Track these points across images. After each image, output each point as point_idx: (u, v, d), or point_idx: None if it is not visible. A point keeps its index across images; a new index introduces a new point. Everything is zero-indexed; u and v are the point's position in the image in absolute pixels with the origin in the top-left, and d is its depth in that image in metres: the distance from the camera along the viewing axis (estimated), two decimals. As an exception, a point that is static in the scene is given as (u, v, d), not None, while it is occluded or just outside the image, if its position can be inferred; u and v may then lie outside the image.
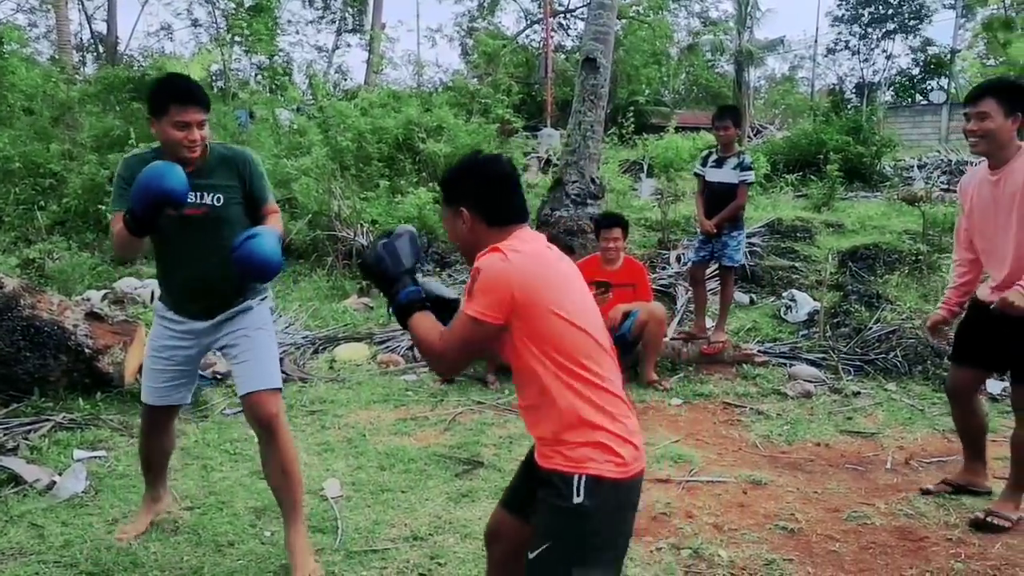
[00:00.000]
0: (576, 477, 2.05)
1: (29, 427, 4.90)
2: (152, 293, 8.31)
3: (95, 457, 4.65)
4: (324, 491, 4.22)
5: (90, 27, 33.33)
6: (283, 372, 6.49)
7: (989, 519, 3.84)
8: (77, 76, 18.15)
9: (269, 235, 3.15)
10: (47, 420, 5.02)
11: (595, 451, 2.07)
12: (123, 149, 11.95)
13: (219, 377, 6.13)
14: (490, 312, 2.09)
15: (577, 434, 2.08)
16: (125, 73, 17.21)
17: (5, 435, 4.76)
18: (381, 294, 2.46)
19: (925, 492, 4.27)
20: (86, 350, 5.45)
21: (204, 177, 3.27)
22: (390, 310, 2.35)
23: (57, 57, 21.81)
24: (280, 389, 3.42)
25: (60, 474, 4.30)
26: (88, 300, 7.57)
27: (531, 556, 2.09)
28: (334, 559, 3.51)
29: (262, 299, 3.54)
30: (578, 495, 2.04)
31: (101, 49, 30.74)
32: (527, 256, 2.15)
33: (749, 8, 31.88)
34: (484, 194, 2.28)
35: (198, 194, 3.23)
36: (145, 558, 3.47)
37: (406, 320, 2.28)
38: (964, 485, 4.22)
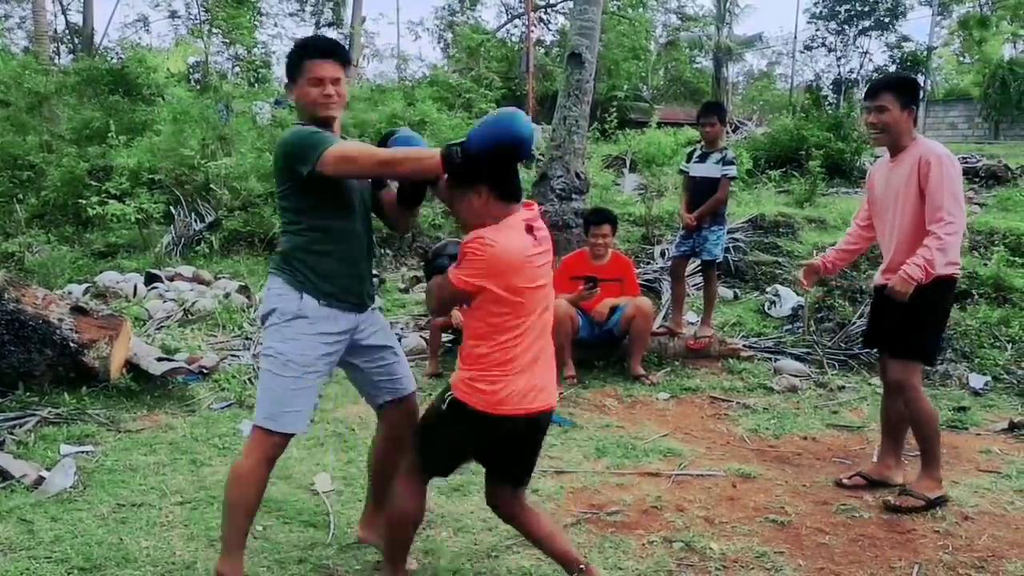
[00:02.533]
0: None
1: (15, 422, 4.86)
2: (135, 287, 8.24)
3: (82, 452, 4.61)
4: (315, 485, 4.21)
5: (65, 18, 32.95)
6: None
7: (900, 500, 4.01)
8: (53, 67, 17.93)
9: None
10: (33, 415, 4.98)
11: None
12: (103, 142, 11.85)
13: (205, 372, 6.09)
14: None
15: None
16: (104, 65, 17.02)
17: (-8, 430, 4.72)
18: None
19: (839, 485, 4.36)
20: (71, 344, 5.40)
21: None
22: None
23: (32, 48, 21.55)
24: None
25: (48, 469, 4.27)
26: (71, 294, 7.50)
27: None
28: (327, 553, 3.51)
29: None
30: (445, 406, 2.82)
31: (76, 40, 30.36)
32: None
33: (728, 4, 32.06)
34: (506, 177, 2.72)
35: None
36: (137, 553, 3.45)
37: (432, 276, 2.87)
38: (878, 479, 4.33)
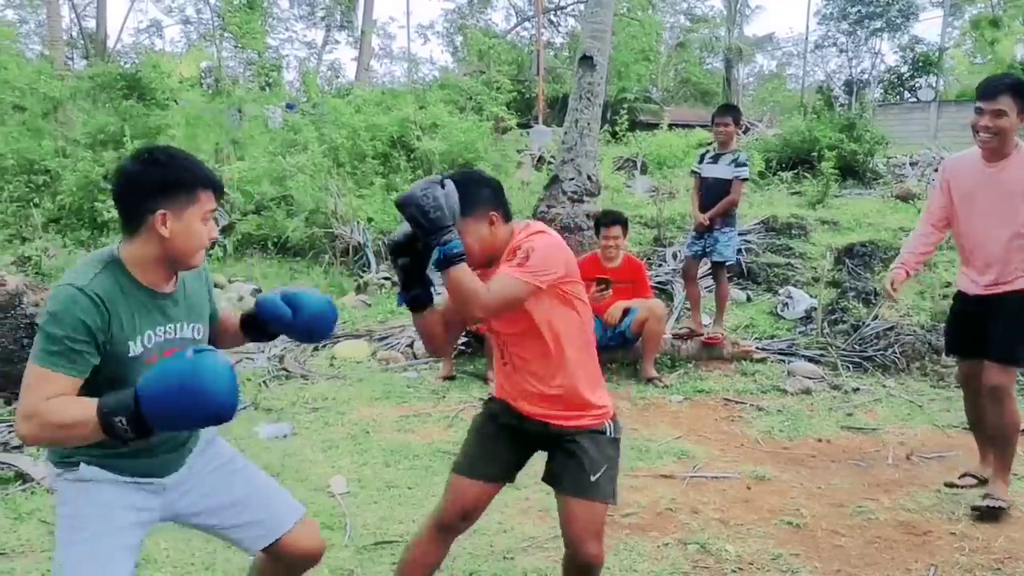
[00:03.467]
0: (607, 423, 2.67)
1: (33, 425, 4.89)
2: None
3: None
4: (330, 488, 4.23)
5: (79, 23, 33.16)
6: (284, 369, 6.52)
7: (989, 502, 3.92)
8: (67, 72, 18.05)
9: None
10: (51, 418, 5.01)
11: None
12: (117, 146, 11.93)
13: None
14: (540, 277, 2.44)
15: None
16: (118, 70, 17.11)
17: (10, 432, 4.76)
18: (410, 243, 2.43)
19: (950, 485, 4.30)
20: (88, 348, 5.45)
21: (186, 298, 2.29)
22: (435, 257, 2.36)
23: (47, 53, 21.72)
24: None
25: (67, 472, 4.30)
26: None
27: (593, 479, 2.57)
28: (343, 555, 3.53)
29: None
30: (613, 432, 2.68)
31: (90, 46, 30.56)
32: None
33: (738, 5, 32.00)
34: (501, 196, 2.61)
35: (178, 324, 2.25)
36: (157, 555, 3.48)
37: (448, 268, 2.35)
38: (986, 478, 4.22)
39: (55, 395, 1.97)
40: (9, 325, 5.25)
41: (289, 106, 15.31)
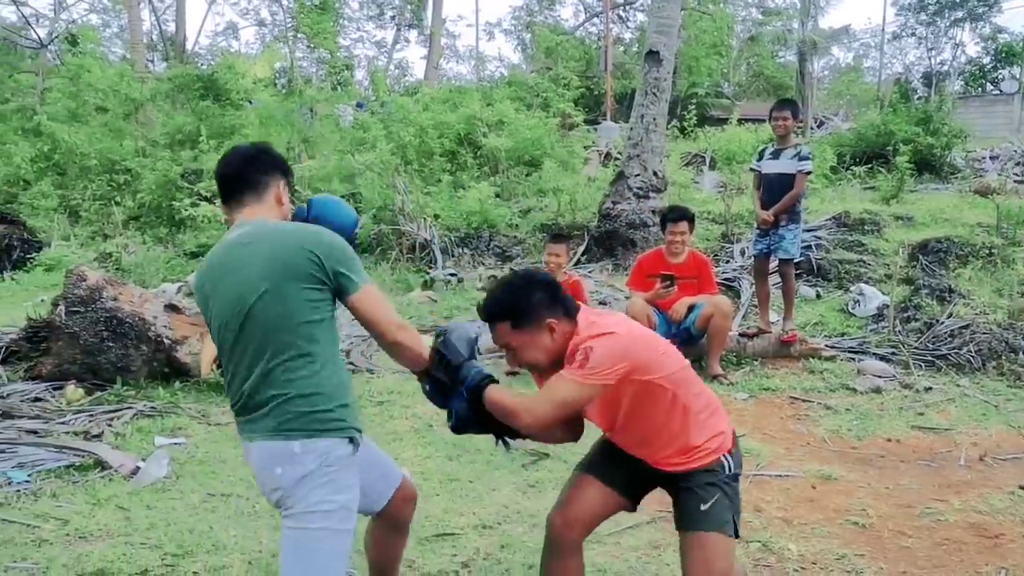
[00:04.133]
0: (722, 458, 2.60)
1: (113, 414, 5.10)
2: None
3: (176, 444, 4.81)
4: (395, 479, 4.30)
5: (159, 26, 34.17)
6: (351, 363, 6.64)
7: None
8: (148, 74, 18.66)
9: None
10: (129, 408, 5.23)
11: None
12: (194, 146, 12.29)
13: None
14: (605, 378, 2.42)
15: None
16: (195, 71, 17.63)
17: (91, 422, 4.97)
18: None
19: None
20: (165, 340, 5.64)
21: None
22: (466, 397, 2.49)
23: (129, 56, 22.45)
24: None
25: (143, 460, 4.47)
26: (164, 292, 7.81)
27: (704, 508, 2.52)
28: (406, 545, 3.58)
29: None
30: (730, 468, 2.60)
31: (169, 48, 31.47)
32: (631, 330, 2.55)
33: (813, -3, 31.27)
34: (557, 295, 2.55)
35: None
36: (226, 540, 3.59)
37: (481, 395, 2.45)
38: None
39: None
40: (90, 319, 5.46)
41: (359, 105, 15.54)
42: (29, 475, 4.26)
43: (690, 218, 6.54)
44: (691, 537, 2.53)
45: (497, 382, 2.51)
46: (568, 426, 2.66)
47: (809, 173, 6.76)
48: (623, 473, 2.70)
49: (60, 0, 27.81)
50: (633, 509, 2.79)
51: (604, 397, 2.49)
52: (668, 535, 3.68)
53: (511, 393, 2.43)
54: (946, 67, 36.64)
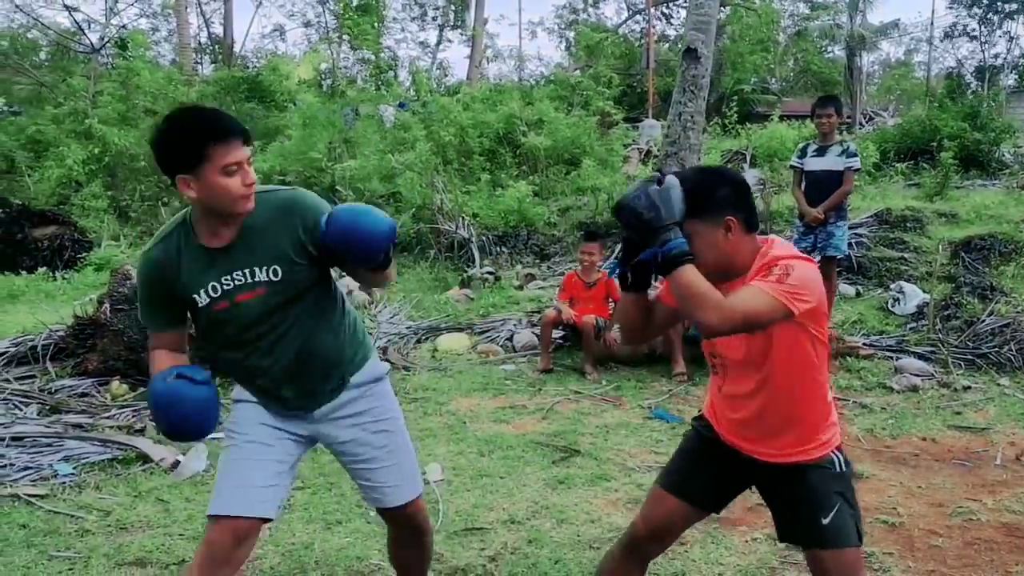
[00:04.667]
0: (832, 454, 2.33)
1: (154, 409, 5.24)
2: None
3: (214, 438, 4.92)
4: (426, 475, 4.37)
5: (207, 29, 34.83)
6: (387, 360, 6.73)
7: None
8: (196, 77, 19.02)
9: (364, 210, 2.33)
10: (171, 403, 5.35)
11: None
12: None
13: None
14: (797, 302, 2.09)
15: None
16: (240, 74, 17.94)
17: (134, 416, 5.13)
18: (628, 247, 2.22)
19: None
20: (206, 338, 5.78)
21: (253, 246, 2.34)
22: (656, 259, 2.10)
23: (177, 59, 22.90)
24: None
25: (183, 454, 4.60)
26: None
27: (825, 521, 2.25)
28: (436, 539, 3.62)
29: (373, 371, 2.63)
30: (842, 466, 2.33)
31: (218, 51, 32.04)
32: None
33: (862, -10, 30.78)
34: (745, 199, 2.25)
35: (247, 271, 2.34)
36: (261, 533, 3.68)
37: (675, 270, 2.07)
38: None
39: (153, 348, 2.43)
40: (133, 316, 5.62)
41: (400, 105, 15.68)
42: (74, 468, 4.42)
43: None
44: (813, 557, 2.29)
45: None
46: (660, 328, 2.46)
47: (858, 170, 6.72)
48: (700, 483, 2.47)
49: (111, 6, 28.45)
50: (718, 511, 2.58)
51: (756, 338, 2.21)
52: (695, 531, 3.69)
53: (704, 281, 2.07)
54: (999, 61, 35.87)
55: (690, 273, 2.05)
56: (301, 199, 2.40)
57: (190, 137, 2.19)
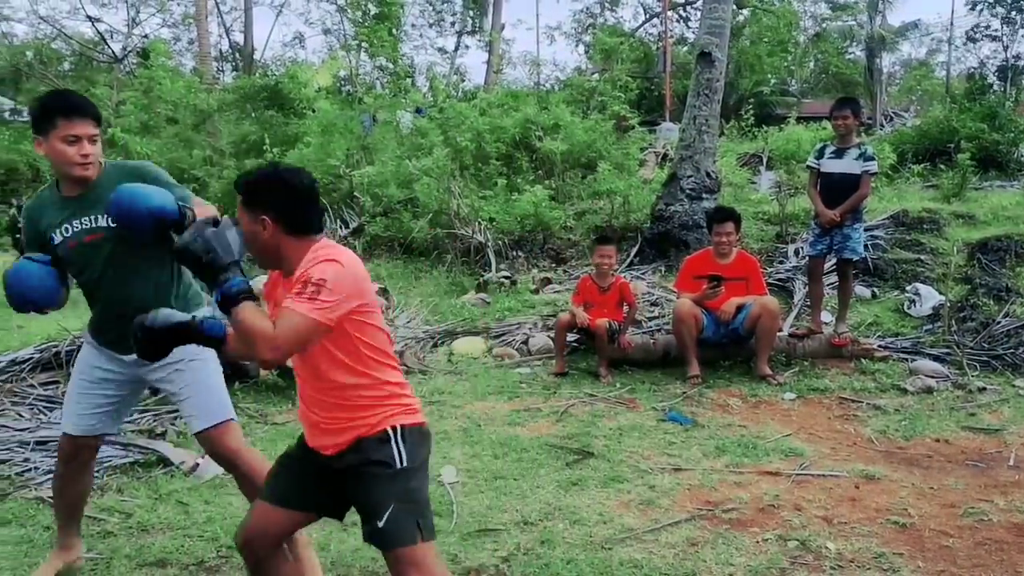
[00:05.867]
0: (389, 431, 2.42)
1: (175, 414, 5.32)
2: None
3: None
4: (441, 477, 4.42)
5: (228, 38, 35.17)
6: (404, 365, 6.80)
7: None
8: (216, 85, 19.23)
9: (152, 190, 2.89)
10: (191, 407, 5.44)
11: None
12: (260, 154, 12.64)
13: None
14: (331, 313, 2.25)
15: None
16: (260, 82, 18.08)
17: (155, 421, 5.22)
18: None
19: None
20: (225, 343, 5.87)
21: (99, 197, 2.97)
22: (215, 299, 2.28)
23: (198, 68, 23.15)
24: (233, 419, 3.25)
25: (203, 457, 4.67)
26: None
27: (381, 524, 2.34)
28: (450, 540, 3.70)
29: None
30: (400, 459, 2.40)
31: (238, 59, 32.34)
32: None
33: (883, -9, 30.61)
34: (287, 203, 2.38)
35: (92, 216, 2.99)
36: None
37: (233, 308, 2.23)
38: None
39: None
40: (154, 321, 5.71)
41: (418, 110, 15.76)
42: (97, 471, 4.50)
43: (735, 218, 6.55)
44: (391, 557, 2.39)
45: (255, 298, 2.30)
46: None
47: (875, 174, 6.71)
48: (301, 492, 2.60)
49: (134, 16, 28.81)
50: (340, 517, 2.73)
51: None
52: (707, 532, 3.74)
53: (263, 315, 2.25)
54: (1022, 61, 35.55)
55: (246, 311, 2.21)
56: (150, 168, 3.12)
57: (46, 109, 2.92)
